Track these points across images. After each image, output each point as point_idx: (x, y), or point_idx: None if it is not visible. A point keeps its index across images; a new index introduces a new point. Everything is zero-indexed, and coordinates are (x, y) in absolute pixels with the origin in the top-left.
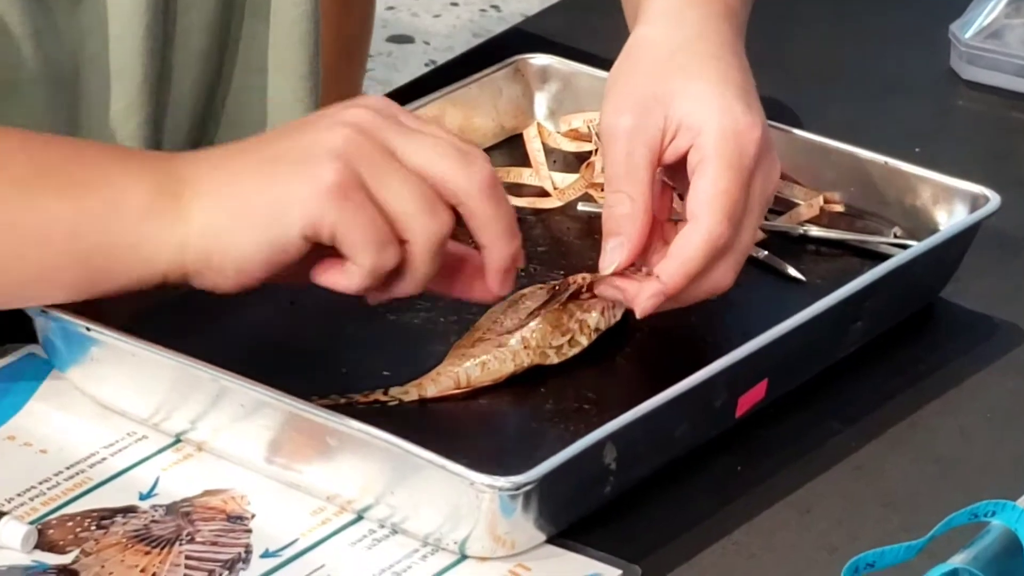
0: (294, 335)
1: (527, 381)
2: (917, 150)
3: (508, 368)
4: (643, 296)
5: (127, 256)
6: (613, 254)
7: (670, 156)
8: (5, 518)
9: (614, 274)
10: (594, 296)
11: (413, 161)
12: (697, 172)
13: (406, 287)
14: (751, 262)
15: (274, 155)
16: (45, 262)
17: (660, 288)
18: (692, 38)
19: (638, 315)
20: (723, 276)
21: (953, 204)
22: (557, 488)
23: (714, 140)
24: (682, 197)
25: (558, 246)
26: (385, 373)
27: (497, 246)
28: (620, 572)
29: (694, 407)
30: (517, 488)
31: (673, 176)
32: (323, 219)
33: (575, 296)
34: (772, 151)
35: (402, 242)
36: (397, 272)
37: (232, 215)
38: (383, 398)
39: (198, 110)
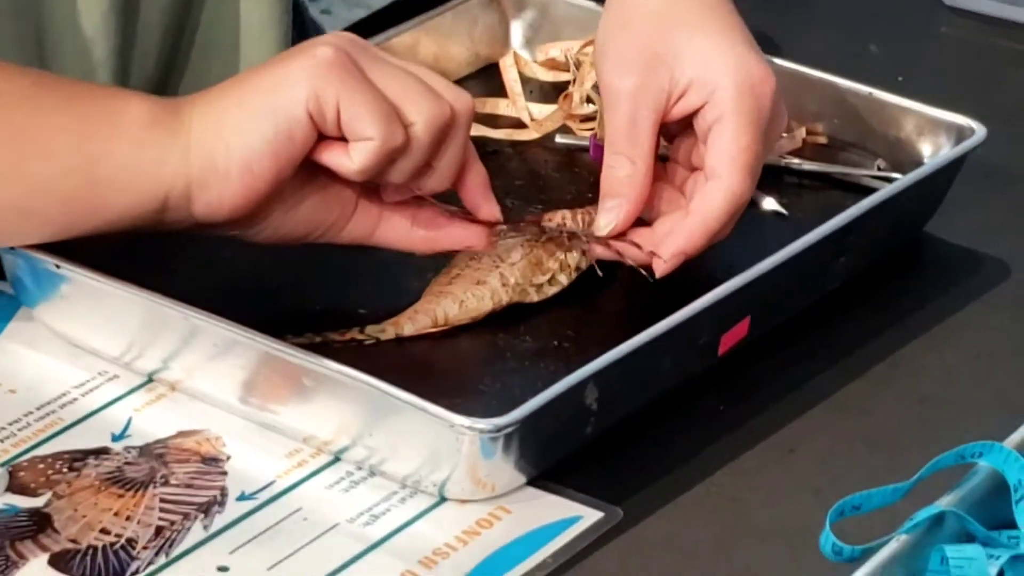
0: (267, 272)
1: (505, 319)
2: (900, 79)
3: (486, 306)
4: (664, 257)
5: (130, 167)
6: (610, 215)
7: (677, 114)
8: None
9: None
10: (574, 236)
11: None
12: (716, 129)
13: (424, 181)
14: None
15: (270, 62)
16: (49, 177)
17: (682, 248)
18: None
19: (658, 275)
20: (730, 227)
21: (938, 136)
22: (538, 429)
23: (732, 96)
24: (669, 142)
25: (535, 180)
26: (361, 311)
27: (484, 185)
28: (601, 514)
29: (677, 345)
30: (498, 430)
31: (668, 128)
32: (326, 90)
33: (555, 236)
34: (781, 99)
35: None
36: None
37: (235, 109)
38: (359, 336)
39: (167, 40)
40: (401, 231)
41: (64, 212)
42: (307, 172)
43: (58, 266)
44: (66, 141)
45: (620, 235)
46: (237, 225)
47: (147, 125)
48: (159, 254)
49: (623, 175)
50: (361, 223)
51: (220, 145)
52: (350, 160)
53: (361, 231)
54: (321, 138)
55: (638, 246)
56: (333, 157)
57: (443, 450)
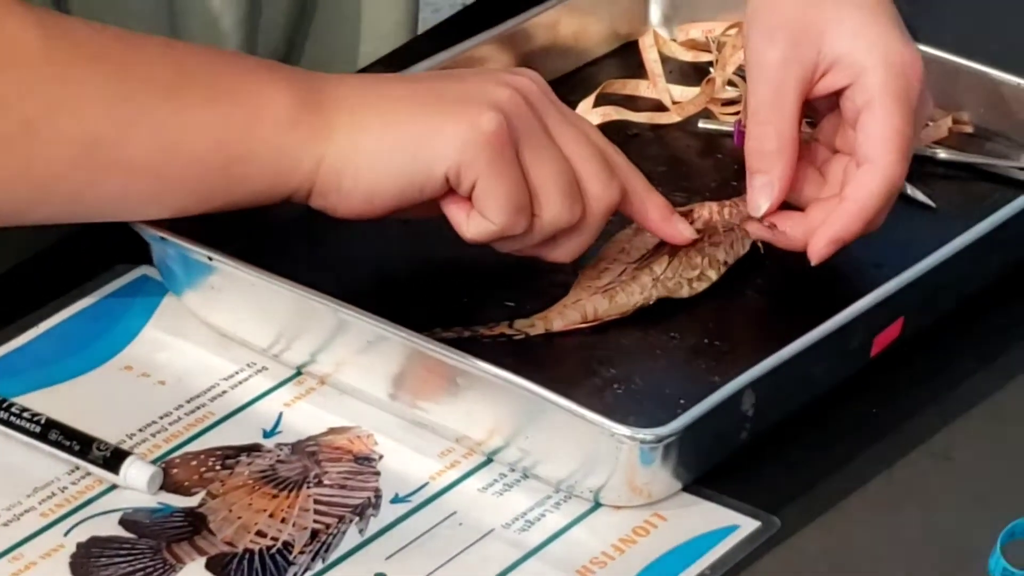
0: (412, 263)
1: (653, 315)
2: None
3: (636, 301)
4: (820, 244)
5: (265, 168)
6: (762, 194)
7: (822, 90)
8: (130, 459)
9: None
10: (725, 230)
11: (565, 144)
12: (866, 112)
13: (521, 250)
14: None
15: (433, 91)
16: (186, 169)
17: (838, 234)
18: None
19: (813, 262)
20: (885, 213)
21: None
22: (697, 437)
23: (882, 79)
24: (812, 125)
25: (678, 166)
26: (508, 303)
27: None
28: (759, 524)
29: (832, 349)
30: (658, 440)
31: (811, 105)
32: (472, 166)
33: (705, 231)
34: (926, 84)
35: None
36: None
37: (377, 139)
38: (508, 331)
39: (293, 9)
40: None
41: (191, 200)
42: None
43: (211, 258)
44: (206, 141)
45: (774, 219)
46: None
47: (288, 127)
48: (303, 246)
49: (771, 149)
50: None
51: (351, 167)
52: (467, 227)
53: None
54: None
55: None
56: (453, 213)
57: (600, 456)
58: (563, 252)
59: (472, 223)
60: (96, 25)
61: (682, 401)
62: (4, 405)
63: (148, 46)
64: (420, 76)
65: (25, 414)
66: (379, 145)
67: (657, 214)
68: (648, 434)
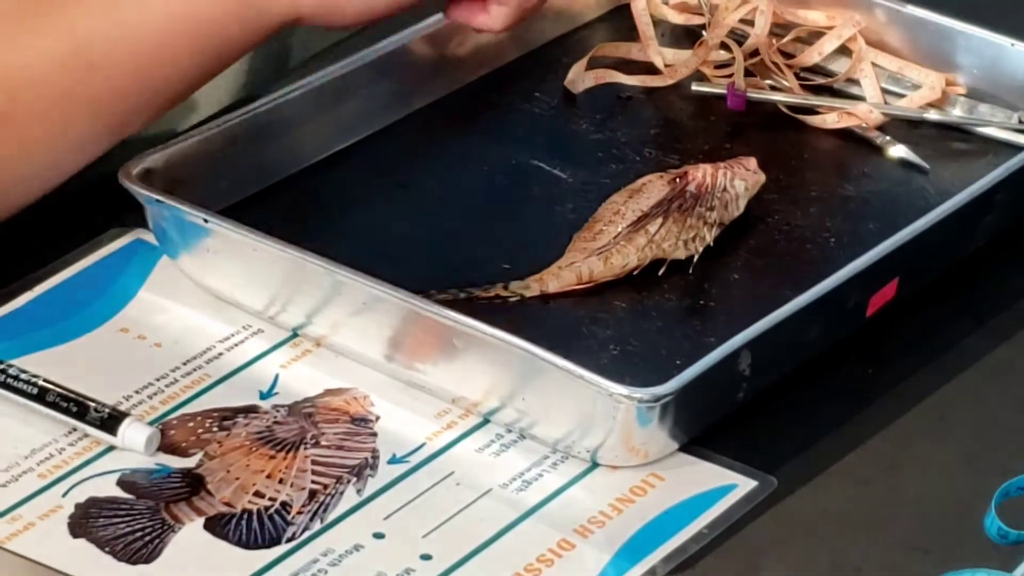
0: (407, 226)
1: (647, 277)
2: None
3: (631, 263)
4: None
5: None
6: None
7: None
8: (128, 420)
9: None
10: (719, 191)
11: None
12: None
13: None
14: (869, 145)
15: None
16: (171, 65)
17: None
18: None
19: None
20: None
21: None
22: (694, 397)
23: None
24: None
25: (671, 128)
26: (504, 266)
27: None
28: (755, 483)
29: (828, 309)
30: (656, 399)
31: None
32: None
33: (699, 192)
34: None
35: None
36: None
37: None
38: (504, 293)
39: None
40: None
41: (190, 72)
42: None
43: (206, 220)
44: (182, 36)
45: None
46: None
47: None
48: (299, 209)
49: None
50: None
51: None
52: (493, 21)
53: None
54: None
55: None
56: (473, 17)
57: (598, 416)
58: None
59: (493, 14)
60: None
61: (678, 362)
62: (1, 367)
63: None
64: None
65: (23, 376)
66: None
67: None
68: (645, 393)
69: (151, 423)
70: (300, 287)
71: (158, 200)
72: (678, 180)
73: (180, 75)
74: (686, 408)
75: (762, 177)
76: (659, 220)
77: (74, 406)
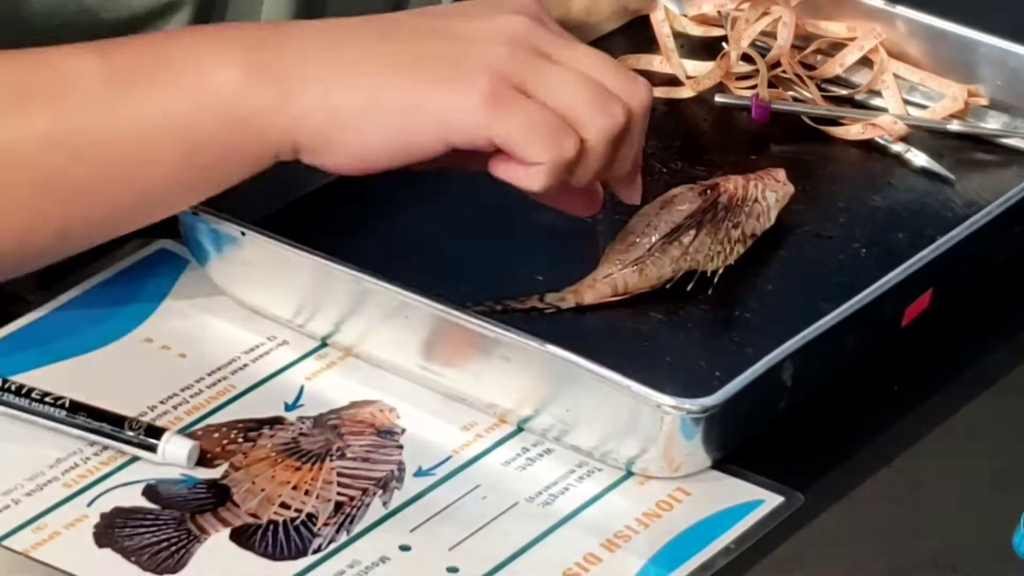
0: (441, 237)
1: (682, 288)
2: None
3: (666, 274)
4: None
5: (236, 137)
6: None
7: None
8: (167, 434)
9: None
10: (752, 202)
11: (575, 67)
12: None
13: (603, 177)
14: (892, 156)
15: (415, 55)
16: (157, 165)
17: None
18: None
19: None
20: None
21: None
22: (738, 409)
23: None
24: None
25: (696, 140)
26: (538, 277)
27: (634, 171)
28: (782, 499)
29: (867, 319)
30: (703, 411)
31: None
32: (490, 130)
33: (731, 204)
34: None
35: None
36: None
37: (366, 103)
38: (539, 305)
39: None
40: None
41: (188, 194)
42: None
43: (243, 233)
44: (164, 132)
45: None
46: None
47: (243, 92)
48: (331, 219)
49: None
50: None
51: (336, 129)
52: (529, 181)
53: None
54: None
55: None
56: (510, 174)
57: (642, 427)
58: (631, 162)
59: (530, 174)
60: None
61: (717, 373)
62: (25, 391)
63: (80, 57)
64: (395, 25)
65: (47, 399)
66: (367, 111)
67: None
68: (693, 404)
69: (177, 433)
70: (335, 297)
71: (193, 213)
72: (709, 192)
73: (166, 179)
74: (730, 420)
75: (791, 188)
76: (692, 232)
77: (107, 425)
